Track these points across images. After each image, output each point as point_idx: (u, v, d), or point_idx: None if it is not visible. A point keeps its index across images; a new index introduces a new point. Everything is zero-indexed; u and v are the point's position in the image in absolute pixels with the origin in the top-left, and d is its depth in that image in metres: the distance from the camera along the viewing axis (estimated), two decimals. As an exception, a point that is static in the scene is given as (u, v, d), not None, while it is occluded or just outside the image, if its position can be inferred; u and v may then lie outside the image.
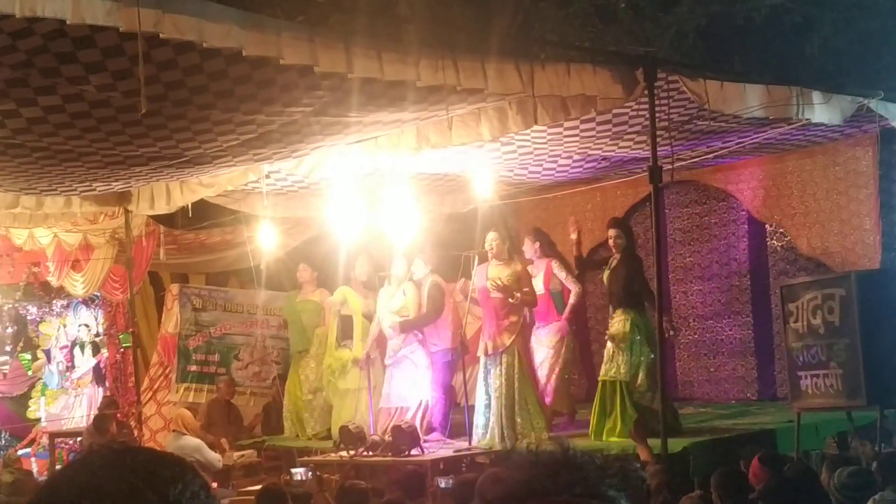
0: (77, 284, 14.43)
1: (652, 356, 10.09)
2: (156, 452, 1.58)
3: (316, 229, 13.36)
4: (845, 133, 11.61)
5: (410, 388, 11.54)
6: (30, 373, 15.28)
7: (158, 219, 13.59)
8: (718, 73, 9.78)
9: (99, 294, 15.10)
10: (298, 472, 10.69)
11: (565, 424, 11.82)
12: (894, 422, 10.42)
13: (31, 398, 15.22)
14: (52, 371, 15.25)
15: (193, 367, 14.89)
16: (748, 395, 13.51)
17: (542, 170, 12.08)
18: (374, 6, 12.51)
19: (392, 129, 9.44)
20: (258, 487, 8.77)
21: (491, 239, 10.98)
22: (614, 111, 9.50)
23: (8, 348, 15.13)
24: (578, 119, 9.51)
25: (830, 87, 10.21)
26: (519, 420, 10.65)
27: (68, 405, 15.20)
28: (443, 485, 9.34)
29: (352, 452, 10.76)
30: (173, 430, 12.23)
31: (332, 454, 11.19)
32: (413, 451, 10.47)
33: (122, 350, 15.27)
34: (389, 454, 10.52)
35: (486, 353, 10.88)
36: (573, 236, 11.97)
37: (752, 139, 11.24)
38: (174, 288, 15.28)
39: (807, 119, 9.87)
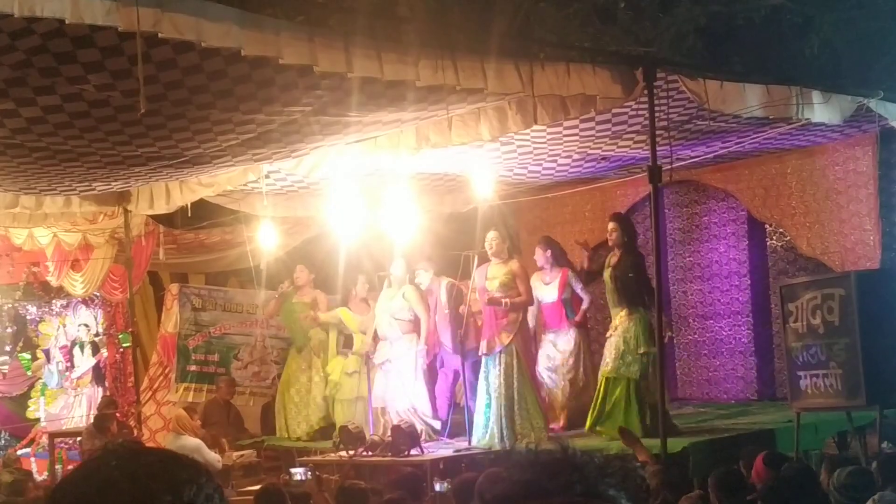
0: (76, 284, 14.43)
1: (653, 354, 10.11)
2: (171, 454, 1.59)
3: (316, 229, 13.37)
4: (845, 133, 11.61)
5: (395, 392, 11.55)
6: (29, 373, 15.26)
7: (158, 218, 13.58)
8: (718, 72, 9.79)
9: (98, 294, 15.09)
10: (298, 473, 10.69)
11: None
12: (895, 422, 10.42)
13: (31, 398, 15.20)
14: (51, 371, 15.24)
15: (193, 367, 14.88)
16: (748, 394, 13.51)
17: (542, 169, 12.08)
18: (374, 6, 12.52)
19: (392, 129, 9.43)
20: (257, 487, 8.76)
21: (490, 238, 10.99)
22: (614, 111, 9.50)
23: (7, 348, 15.12)
24: (578, 119, 9.50)
25: (830, 87, 10.21)
26: (518, 420, 10.65)
27: (68, 405, 15.18)
28: (438, 488, 9.35)
29: (351, 452, 10.76)
30: (172, 430, 12.23)
31: (332, 454, 11.19)
32: (412, 451, 10.47)
33: (121, 350, 15.26)
34: (389, 454, 10.52)
35: (485, 353, 10.88)
36: (584, 256, 11.98)
37: (751, 139, 11.24)
38: (174, 288, 15.27)
39: (806, 119, 9.87)
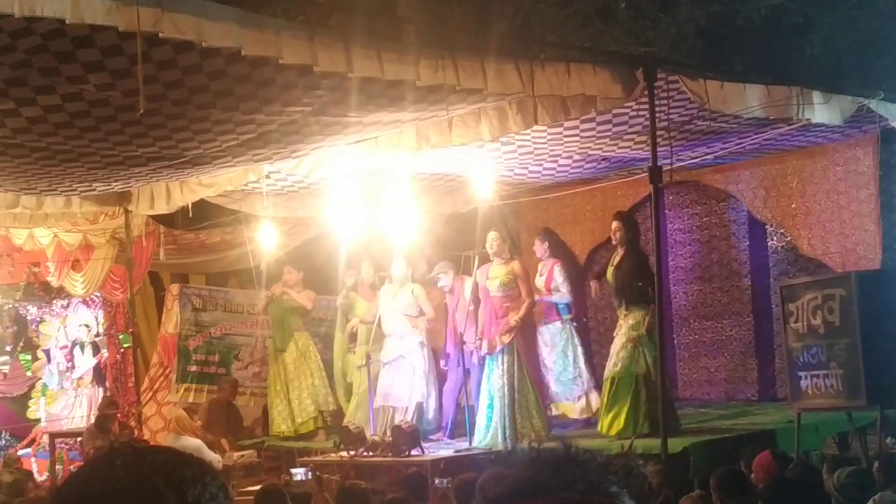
0: (77, 284, 14.43)
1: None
2: (176, 453, 1.58)
3: (316, 229, 13.36)
4: (845, 133, 11.60)
5: (406, 389, 11.56)
6: (30, 373, 15.27)
7: (158, 219, 13.58)
8: (718, 73, 9.78)
9: (99, 294, 15.09)
10: (298, 473, 10.69)
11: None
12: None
13: (31, 398, 15.21)
14: (52, 371, 15.24)
15: (193, 368, 14.88)
16: (748, 395, 13.50)
17: (543, 170, 12.08)
18: (374, 6, 12.53)
19: (392, 129, 9.43)
20: (258, 488, 8.76)
21: (491, 239, 11.00)
22: (614, 111, 9.49)
23: (8, 348, 15.12)
24: (578, 119, 9.50)
25: (830, 88, 10.21)
26: (519, 419, 10.65)
27: (68, 405, 15.18)
28: (438, 484, 9.36)
29: (352, 452, 10.76)
30: (172, 431, 12.23)
31: (333, 454, 11.19)
32: (413, 452, 10.46)
33: (122, 350, 15.25)
34: (389, 454, 10.52)
35: (486, 353, 10.89)
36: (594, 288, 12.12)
37: (752, 139, 11.24)
38: (174, 288, 15.27)
39: (807, 119, 9.86)
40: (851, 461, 8.40)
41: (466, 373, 11.40)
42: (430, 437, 11.48)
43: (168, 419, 13.63)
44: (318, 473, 10.66)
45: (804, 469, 7.54)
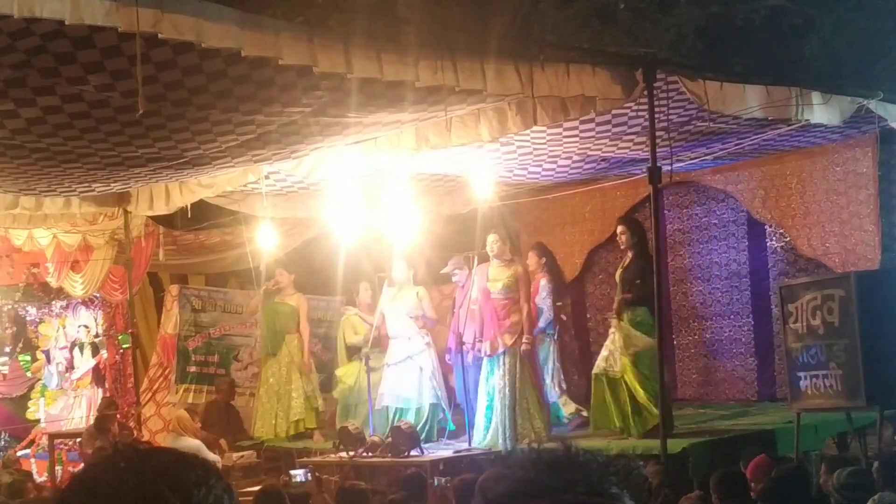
0: (76, 285, 14.42)
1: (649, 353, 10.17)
2: (180, 455, 1.58)
3: (315, 230, 13.36)
4: (845, 134, 11.60)
5: (411, 390, 11.57)
6: (29, 374, 15.27)
7: (158, 219, 13.58)
8: (718, 73, 9.79)
9: (98, 295, 15.08)
10: (298, 474, 10.69)
11: None
12: None
13: (31, 399, 15.20)
14: (51, 372, 15.23)
15: (193, 368, 14.87)
16: (748, 395, 13.49)
17: (542, 170, 12.08)
18: (374, 7, 12.52)
19: (391, 130, 9.43)
20: (257, 489, 8.76)
21: (491, 241, 11.01)
22: (614, 112, 9.49)
23: (7, 349, 15.12)
24: (578, 120, 9.50)
25: (830, 88, 10.21)
26: (520, 421, 10.66)
27: (68, 406, 15.17)
28: (436, 483, 9.37)
29: (351, 453, 10.76)
30: (171, 431, 12.22)
31: (332, 455, 11.19)
32: (413, 452, 10.46)
33: (121, 351, 15.24)
34: (389, 455, 10.52)
35: (487, 354, 10.88)
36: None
37: (751, 140, 11.24)
38: (173, 289, 15.26)
39: (806, 120, 9.86)
40: (851, 462, 8.41)
41: (463, 372, 11.44)
42: (449, 437, 11.52)
43: (167, 420, 13.63)
44: (317, 474, 10.66)
45: (801, 470, 7.54)
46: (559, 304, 12.62)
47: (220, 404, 13.78)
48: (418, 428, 11.11)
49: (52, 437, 13.91)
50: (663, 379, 9.40)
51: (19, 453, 14.09)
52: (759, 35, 14.77)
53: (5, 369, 15.09)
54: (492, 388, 10.79)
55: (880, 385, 9.07)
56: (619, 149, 11.04)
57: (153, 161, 9.64)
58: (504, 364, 10.75)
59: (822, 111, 9.81)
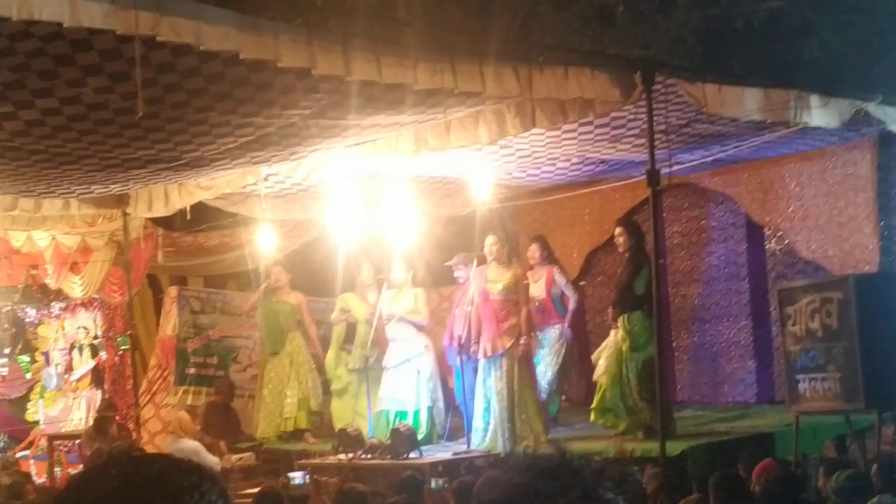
0: (75, 287, 14.43)
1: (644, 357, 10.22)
2: (174, 461, 1.57)
3: (315, 232, 13.37)
4: (843, 137, 11.60)
5: (409, 393, 11.57)
6: (28, 375, 15.27)
7: (157, 221, 13.58)
8: (717, 76, 9.78)
9: (97, 296, 15.08)
10: (296, 477, 10.69)
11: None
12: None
13: (30, 400, 15.21)
14: (50, 373, 15.23)
15: (192, 370, 14.85)
16: (746, 398, 13.49)
17: (541, 173, 12.08)
18: (373, 9, 12.52)
19: (390, 132, 9.44)
20: (256, 491, 8.76)
21: (490, 243, 11.01)
22: (612, 114, 9.50)
23: (6, 351, 15.13)
24: (576, 122, 9.50)
25: (829, 91, 10.21)
26: (518, 423, 10.65)
27: (67, 407, 15.18)
28: (433, 486, 9.37)
29: (350, 455, 10.75)
30: (171, 433, 12.22)
31: (331, 457, 11.19)
32: (411, 454, 10.46)
33: (120, 352, 15.25)
34: (388, 457, 10.51)
35: (485, 356, 10.88)
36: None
37: (750, 143, 11.24)
38: (172, 290, 15.25)
39: (805, 122, 9.87)
40: (849, 464, 8.41)
41: (461, 374, 11.45)
42: (447, 441, 11.52)
43: (166, 421, 13.63)
44: (315, 477, 10.66)
45: (796, 474, 7.54)
46: (582, 283, 12.50)
47: (219, 406, 13.78)
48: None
49: (52, 438, 13.92)
50: (663, 382, 9.40)
51: (18, 455, 14.09)
52: (758, 37, 14.76)
53: (4, 371, 15.10)
54: (490, 390, 10.79)
55: (879, 387, 9.07)
56: (617, 151, 11.05)
57: (152, 163, 9.64)
58: (502, 366, 10.75)
59: (820, 114, 9.81)
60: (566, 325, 12.05)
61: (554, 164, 11.66)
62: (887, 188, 12.08)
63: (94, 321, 15.48)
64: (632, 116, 9.61)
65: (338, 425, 11.94)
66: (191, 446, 11.54)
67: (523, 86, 8.20)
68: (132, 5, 6.03)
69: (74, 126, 8.09)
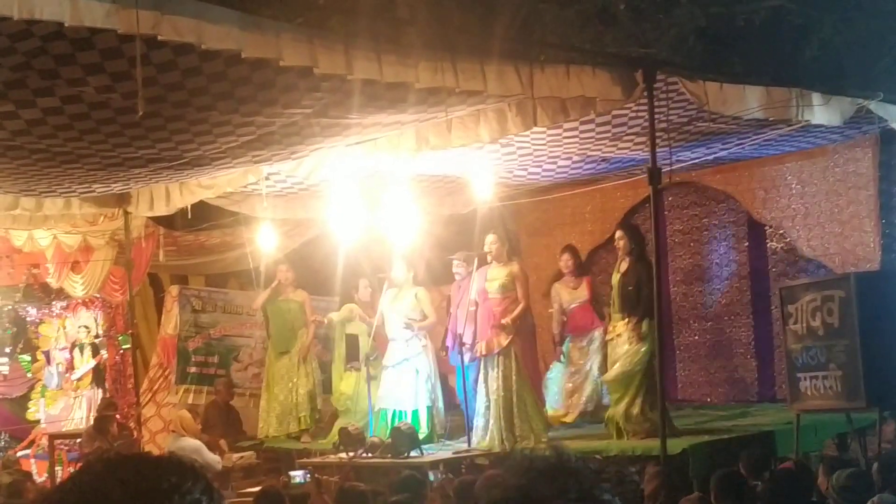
0: (76, 286, 14.43)
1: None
2: (154, 462, 1.53)
3: (315, 231, 13.37)
4: (845, 135, 11.60)
5: (408, 392, 11.57)
6: (29, 374, 15.28)
7: (158, 220, 13.58)
8: (718, 74, 9.78)
9: (98, 295, 15.09)
10: (297, 475, 10.69)
11: None
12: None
13: (31, 399, 15.22)
14: (51, 372, 15.24)
15: (193, 369, 14.87)
16: (748, 396, 13.49)
17: (542, 171, 12.08)
18: (374, 8, 12.50)
19: (391, 131, 9.44)
20: (257, 489, 8.76)
21: (490, 241, 11.02)
22: (614, 113, 9.49)
23: (7, 350, 15.13)
24: (578, 121, 9.50)
25: (830, 89, 10.20)
26: (517, 422, 10.66)
27: (68, 406, 15.18)
28: (432, 477, 9.38)
29: (351, 454, 10.76)
30: (172, 431, 12.23)
31: (332, 456, 11.19)
32: (412, 453, 10.46)
33: (121, 351, 15.27)
34: (389, 456, 10.52)
35: (483, 355, 10.89)
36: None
37: (751, 141, 11.24)
38: (174, 289, 15.27)
39: (806, 120, 9.86)
40: (850, 463, 8.41)
41: (462, 373, 11.45)
42: (447, 440, 11.52)
43: (167, 420, 13.64)
44: (316, 475, 10.66)
45: (799, 471, 7.54)
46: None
47: (220, 405, 13.79)
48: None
49: (52, 437, 13.93)
50: (663, 383, 9.39)
51: (19, 454, 14.11)
52: (760, 35, 14.75)
53: (6, 370, 15.10)
54: (488, 389, 10.80)
55: (880, 386, 9.07)
56: (618, 149, 11.05)
57: (153, 162, 9.64)
58: (500, 365, 10.75)
59: (822, 112, 9.81)
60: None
61: (555, 163, 11.65)
62: (889, 186, 12.08)
63: (96, 320, 15.49)
64: (633, 115, 9.60)
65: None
66: (192, 445, 11.56)
67: (525, 84, 8.19)
68: (133, 4, 6.02)
69: (76, 125, 8.09)
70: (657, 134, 9.06)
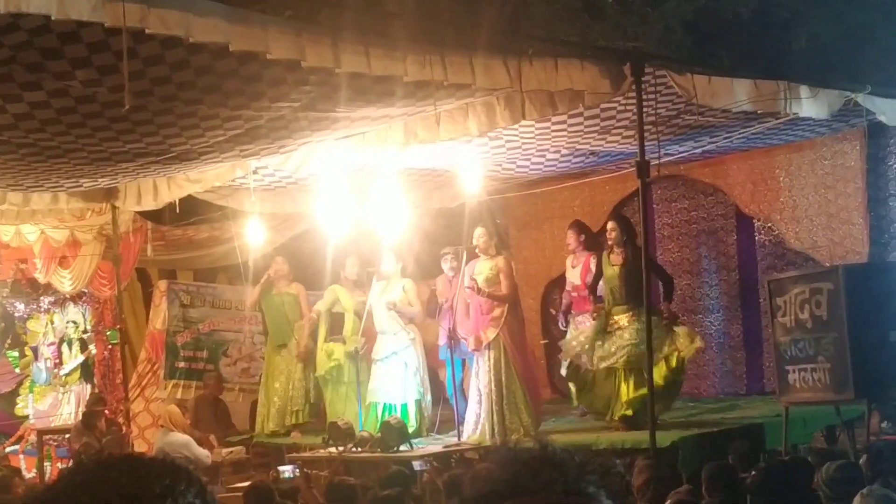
0: (64, 281, 14.39)
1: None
2: (146, 465, 1.50)
3: (304, 225, 13.35)
4: (833, 127, 11.62)
5: (397, 386, 11.56)
6: (17, 370, 15.23)
7: (146, 215, 13.55)
8: (706, 67, 9.77)
9: (86, 290, 15.05)
10: (286, 471, 10.68)
11: None
12: None
13: (20, 395, 15.18)
14: (39, 368, 15.21)
15: (182, 364, 14.84)
16: (736, 389, 13.52)
17: (531, 164, 12.08)
18: (362, 1, 12.47)
19: (380, 125, 9.42)
20: (246, 484, 8.75)
21: (478, 235, 11.01)
22: (602, 106, 9.49)
23: (-5, 345, 15.11)
24: (566, 114, 9.49)
25: (818, 82, 10.20)
26: (507, 415, 10.66)
27: (56, 402, 15.16)
28: (418, 467, 9.38)
29: (340, 448, 10.75)
30: (161, 427, 12.21)
31: (321, 450, 11.18)
32: (402, 447, 10.45)
33: (109, 347, 15.22)
34: (378, 450, 10.51)
35: (472, 349, 10.90)
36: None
37: (739, 134, 11.25)
38: (162, 284, 15.24)
39: (794, 113, 9.86)
40: (839, 455, 8.42)
41: (451, 366, 11.44)
42: (437, 434, 11.51)
43: (156, 415, 13.62)
44: (305, 470, 10.65)
45: (793, 462, 7.55)
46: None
47: (209, 400, 13.77)
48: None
49: (41, 433, 13.91)
50: (651, 374, 9.40)
51: (8, 449, 14.08)
52: (747, 28, 14.76)
53: (-6, 365, 15.07)
54: (479, 382, 10.80)
55: (868, 378, 9.07)
56: (607, 143, 11.05)
57: (141, 156, 9.61)
58: (490, 358, 10.76)
59: (810, 105, 9.81)
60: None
61: (543, 156, 11.65)
62: (876, 179, 12.10)
63: (84, 315, 15.46)
64: (621, 108, 9.61)
65: (331, 416, 11.90)
66: (181, 440, 11.54)
67: (513, 78, 8.19)
68: (120, -3, 6.00)
69: (63, 119, 8.06)
70: (645, 127, 9.07)
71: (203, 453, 11.71)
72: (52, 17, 5.95)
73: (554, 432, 11.00)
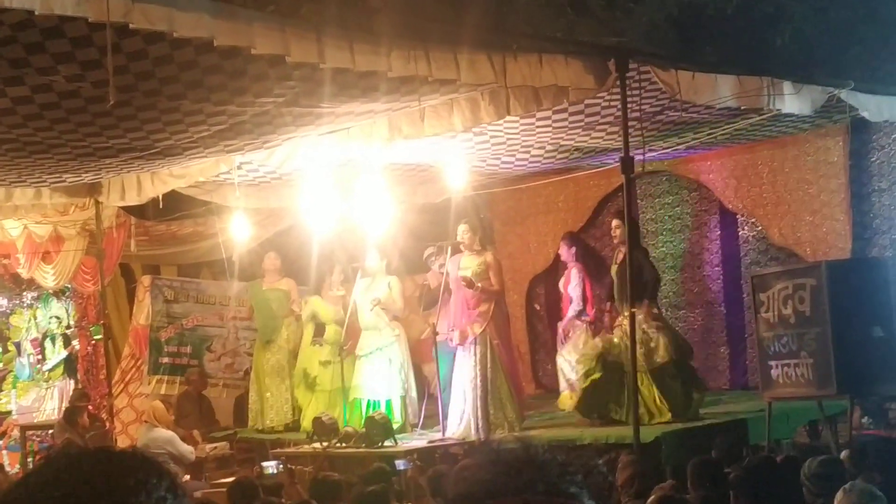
0: (48, 276, 14.35)
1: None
2: (118, 458, 1.48)
3: (288, 220, 13.34)
4: (816, 123, 11.65)
5: (381, 382, 11.56)
6: (0, 365, 15.18)
7: (129, 210, 13.51)
8: (690, 63, 9.78)
9: (70, 286, 15.01)
10: (269, 466, 10.68)
11: None
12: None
13: (2, 391, 15.13)
14: (22, 363, 15.16)
15: (165, 359, 14.82)
16: (720, 384, 13.55)
17: (515, 160, 12.08)
18: (346, -4, 12.45)
19: (364, 120, 9.41)
20: (230, 480, 8.74)
21: (462, 231, 11.02)
22: (586, 102, 9.50)
23: (-22, 341, 15.06)
24: (550, 110, 9.50)
25: (801, 78, 10.23)
26: (492, 410, 10.67)
27: (39, 397, 15.12)
28: (401, 466, 9.38)
29: (325, 444, 10.74)
30: (145, 422, 12.18)
31: (306, 446, 11.18)
32: (386, 443, 10.46)
33: (93, 342, 15.18)
34: (363, 446, 10.51)
35: (457, 344, 10.90)
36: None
37: (723, 130, 11.27)
38: (146, 279, 15.20)
39: (778, 109, 9.89)
40: (822, 450, 8.46)
41: (437, 362, 11.45)
42: (422, 429, 11.50)
43: (140, 411, 13.59)
44: (289, 466, 10.64)
45: (774, 458, 7.57)
46: (597, 292, 12.53)
47: (192, 395, 13.75)
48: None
49: (24, 428, 13.86)
50: (635, 369, 9.42)
51: (-9, 445, 14.04)
52: (731, 24, 14.78)
53: (-24, 361, 15.02)
54: (463, 377, 10.81)
55: (851, 373, 9.11)
56: (591, 139, 11.06)
57: (124, 151, 9.57)
58: (475, 353, 10.76)
59: (793, 101, 9.84)
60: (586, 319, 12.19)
61: (528, 152, 11.65)
62: (859, 174, 12.15)
63: (67, 311, 15.42)
64: (606, 104, 9.61)
65: (309, 415, 11.89)
66: (165, 436, 11.52)
67: (497, 73, 8.19)
68: (103, -8, 5.97)
69: (46, 115, 8.02)
70: (630, 123, 9.08)
71: (187, 449, 11.70)
72: (36, 12, 5.92)
73: (538, 427, 11.02)
